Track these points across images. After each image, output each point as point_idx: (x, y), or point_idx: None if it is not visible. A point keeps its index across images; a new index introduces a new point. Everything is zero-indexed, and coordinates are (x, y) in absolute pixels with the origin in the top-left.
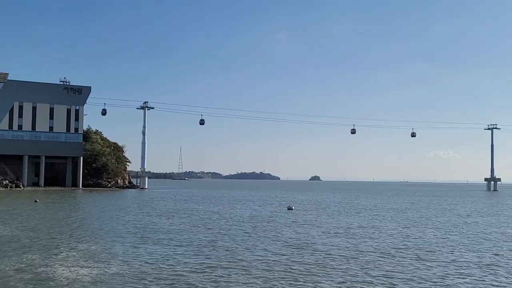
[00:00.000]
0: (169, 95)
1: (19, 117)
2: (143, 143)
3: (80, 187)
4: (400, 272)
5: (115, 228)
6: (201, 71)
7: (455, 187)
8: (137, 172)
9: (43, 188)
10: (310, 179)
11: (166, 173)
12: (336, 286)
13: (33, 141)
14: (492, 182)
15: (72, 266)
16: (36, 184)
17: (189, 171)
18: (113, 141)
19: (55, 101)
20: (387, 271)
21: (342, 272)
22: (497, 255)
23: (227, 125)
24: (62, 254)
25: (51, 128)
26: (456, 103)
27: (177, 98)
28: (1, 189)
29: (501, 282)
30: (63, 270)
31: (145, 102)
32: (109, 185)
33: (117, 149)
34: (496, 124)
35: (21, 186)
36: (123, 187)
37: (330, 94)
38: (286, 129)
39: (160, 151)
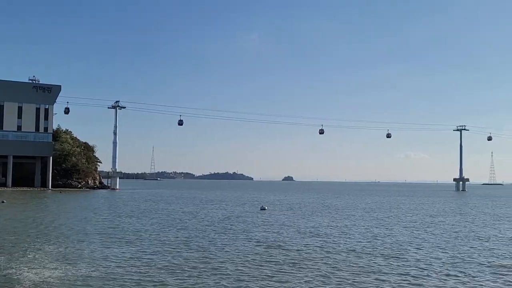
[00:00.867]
0: (143, 95)
1: None
2: (114, 143)
3: (50, 187)
4: (370, 271)
5: (84, 229)
6: (175, 72)
7: (425, 187)
8: (108, 172)
9: (11, 189)
10: (283, 180)
11: (138, 173)
12: (308, 285)
13: (0, 141)
14: (461, 182)
15: (39, 268)
16: (3, 184)
17: (162, 172)
18: (84, 141)
19: (24, 100)
20: (357, 269)
21: (314, 271)
22: (462, 253)
23: (200, 126)
24: (28, 256)
25: (19, 128)
26: (427, 104)
27: (151, 98)
28: None
29: (465, 280)
30: (29, 272)
31: (117, 102)
32: (79, 185)
33: (87, 149)
34: (464, 126)
35: None
36: (93, 188)
37: (303, 94)
38: (259, 129)
39: (132, 151)
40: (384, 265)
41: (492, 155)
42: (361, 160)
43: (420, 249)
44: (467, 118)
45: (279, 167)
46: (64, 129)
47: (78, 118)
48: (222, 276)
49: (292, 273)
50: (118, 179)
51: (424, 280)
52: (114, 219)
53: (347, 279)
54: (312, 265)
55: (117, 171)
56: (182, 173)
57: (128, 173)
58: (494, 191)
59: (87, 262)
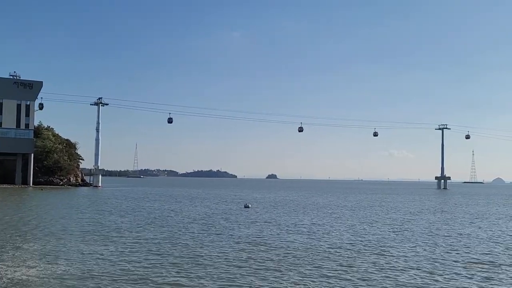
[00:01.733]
0: (127, 93)
1: None
2: (97, 140)
3: (31, 184)
4: (353, 267)
5: (65, 226)
6: (157, 70)
7: (407, 185)
8: (90, 169)
9: None
10: (267, 177)
11: (120, 170)
12: (292, 281)
13: None
14: (442, 181)
15: (18, 267)
16: None
17: (145, 169)
18: (66, 138)
19: (4, 96)
20: (340, 266)
21: (298, 267)
22: (442, 250)
23: (184, 124)
24: (7, 254)
25: (0, 124)
26: (409, 103)
27: (135, 96)
28: None
29: (443, 276)
30: (7, 270)
31: (99, 98)
32: (61, 183)
33: (69, 146)
34: (446, 124)
35: None
36: (75, 185)
37: (286, 92)
38: (243, 127)
39: (115, 149)
40: (366, 262)
41: (473, 154)
42: (344, 159)
43: (402, 246)
44: (449, 117)
45: (263, 165)
46: (46, 126)
47: (60, 115)
48: (205, 273)
49: (276, 270)
50: (100, 176)
51: (405, 277)
52: (95, 217)
53: (330, 276)
54: (295, 262)
55: (99, 168)
56: (165, 170)
57: (111, 171)
58: (475, 189)
59: (67, 260)
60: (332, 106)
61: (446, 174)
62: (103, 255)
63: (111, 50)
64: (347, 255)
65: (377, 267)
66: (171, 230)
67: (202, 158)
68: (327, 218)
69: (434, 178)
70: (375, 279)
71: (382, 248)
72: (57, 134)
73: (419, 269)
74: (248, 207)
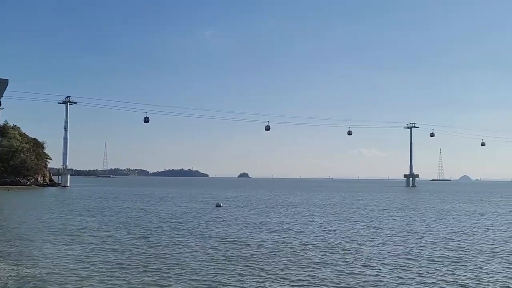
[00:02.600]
0: (98, 92)
1: None
2: (65, 139)
3: None
4: (323, 264)
5: (31, 227)
6: (129, 68)
7: (377, 183)
8: (58, 169)
9: None
10: (238, 176)
11: (90, 170)
12: (265, 278)
13: None
14: (411, 179)
15: None
16: None
17: (115, 168)
18: (33, 137)
19: None
20: (311, 262)
21: (271, 265)
22: (411, 246)
23: (154, 122)
24: None
25: None
26: (378, 102)
27: (105, 95)
28: None
29: (412, 272)
30: None
31: (68, 97)
32: (28, 183)
33: (37, 146)
34: (414, 123)
35: None
36: (43, 185)
37: (258, 91)
38: (215, 126)
39: (84, 148)
40: (337, 258)
41: (440, 152)
42: (316, 157)
43: (372, 243)
44: (418, 116)
45: (235, 164)
46: (12, 125)
47: (27, 114)
48: (178, 271)
49: (248, 267)
50: (69, 176)
51: (374, 272)
52: (63, 217)
53: (302, 273)
54: (268, 259)
55: (68, 168)
56: (136, 170)
57: (80, 170)
58: (442, 187)
59: (32, 261)
60: (305, 105)
61: (415, 172)
62: (70, 255)
63: (83, 49)
64: (318, 252)
65: (347, 263)
66: (142, 230)
67: (173, 157)
68: (298, 216)
69: (403, 176)
70: (346, 274)
71: (353, 244)
72: (24, 133)
73: (389, 265)
74: (220, 206)
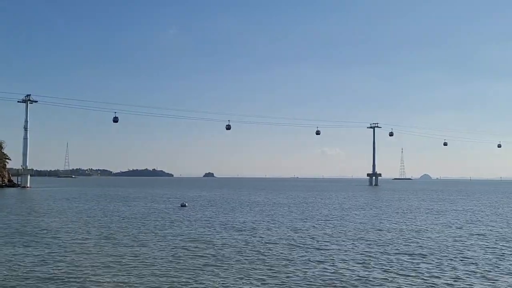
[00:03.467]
0: (59, 91)
1: None
2: (25, 138)
3: None
4: (288, 262)
5: None
6: (90, 66)
7: (341, 182)
8: (18, 169)
9: None
10: (204, 176)
11: (51, 170)
12: (229, 277)
13: None
14: (374, 177)
15: None
16: None
17: (77, 169)
18: None
19: None
20: (277, 261)
21: (237, 264)
22: (373, 245)
23: (118, 122)
24: None
25: None
26: (342, 102)
27: (67, 93)
28: None
29: (375, 270)
30: None
31: (28, 95)
32: None
33: None
34: (377, 123)
35: None
36: (1, 186)
37: (219, 90)
38: (179, 125)
39: (45, 148)
40: (302, 257)
41: (402, 151)
42: (281, 157)
43: (336, 241)
44: (381, 116)
45: (200, 164)
46: None
47: None
48: (143, 271)
49: (214, 266)
50: (29, 176)
51: (339, 271)
52: (23, 218)
53: (267, 271)
54: (233, 258)
55: (28, 168)
56: (98, 170)
57: (40, 171)
58: (403, 185)
59: None
60: (269, 105)
61: (378, 171)
62: (29, 257)
63: (45, 48)
64: (283, 251)
65: (312, 262)
66: (105, 230)
67: (137, 157)
68: (263, 215)
69: (366, 175)
70: (310, 271)
71: (317, 243)
72: None
73: (353, 262)
74: (185, 206)
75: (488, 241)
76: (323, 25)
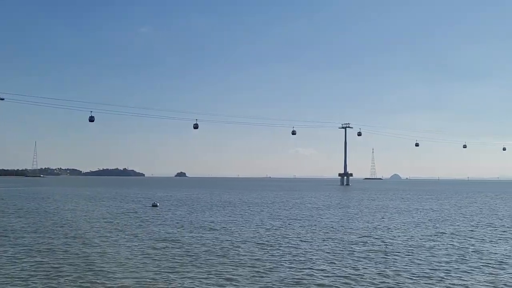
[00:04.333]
0: (26, 89)
1: None
2: None
3: None
4: (260, 260)
5: None
6: (60, 64)
7: (313, 182)
8: None
9: None
10: (175, 176)
11: (18, 170)
12: (199, 276)
13: None
14: (345, 177)
15: None
16: None
17: (45, 168)
18: None
19: None
20: (249, 260)
21: (210, 263)
22: (343, 244)
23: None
24: None
25: None
26: (315, 102)
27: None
28: None
29: (345, 268)
30: None
31: None
32: None
33: None
34: (349, 123)
35: None
36: None
37: (192, 89)
38: (151, 124)
39: (12, 147)
40: (274, 255)
41: (373, 152)
42: (253, 156)
43: (307, 240)
44: (352, 116)
45: (172, 163)
46: None
47: None
48: (114, 272)
49: (186, 266)
50: None
51: (309, 269)
52: None
53: (239, 270)
54: (205, 257)
55: None
56: (67, 169)
57: (7, 170)
58: (374, 185)
59: None
60: (242, 104)
61: (349, 171)
62: None
63: (17, 47)
64: (254, 250)
65: (283, 260)
66: (73, 231)
67: (107, 156)
68: (234, 214)
69: (338, 175)
70: (281, 272)
71: (287, 242)
72: None
73: (323, 261)
74: (157, 206)
75: (453, 239)
76: (296, 26)
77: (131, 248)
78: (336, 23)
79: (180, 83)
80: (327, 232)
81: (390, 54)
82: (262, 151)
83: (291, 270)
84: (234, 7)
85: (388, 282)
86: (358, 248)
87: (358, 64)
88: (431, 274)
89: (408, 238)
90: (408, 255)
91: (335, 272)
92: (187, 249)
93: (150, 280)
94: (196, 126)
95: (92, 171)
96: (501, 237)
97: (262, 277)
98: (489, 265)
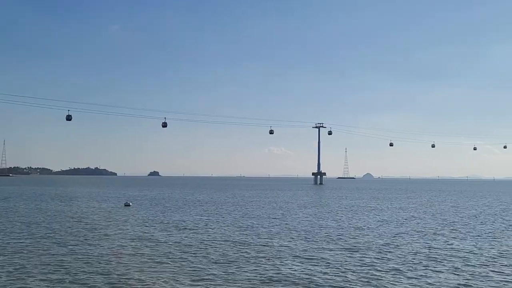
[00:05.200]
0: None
1: None
2: None
3: None
4: (233, 259)
5: None
6: (29, 60)
7: (287, 181)
8: None
9: None
10: (149, 175)
11: None
12: (173, 274)
13: None
14: (319, 176)
15: None
16: None
17: (14, 167)
18: None
19: None
20: (222, 259)
21: (184, 262)
22: (321, 240)
23: (58, 118)
24: None
25: None
26: (289, 102)
27: (3, 89)
28: None
29: (315, 266)
30: None
31: None
32: None
33: None
34: (322, 123)
35: None
36: None
37: (166, 88)
38: (122, 123)
39: None
40: (246, 254)
41: (346, 151)
42: (227, 155)
43: (281, 238)
44: (326, 115)
45: (145, 162)
46: None
47: None
48: (86, 271)
49: (158, 265)
50: None
51: (284, 267)
52: None
53: (210, 269)
54: (179, 257)
55: None
56: (37, 168)
57: None
58: (347, 184)
59: None
60: (216, 104)
61: (322, 170)
62: None
63: None
64: (226, 249)
65: (255, 259)
66: (44, 230)
67: (79, 155)
68: (207, 214)
69: (311, 174)
70: (253, 270)
71: (263, 240)
72: None
73: (295, 259)
74: (129, 205)
75: (419, 237)
76: (266, 25)
77: (103, 247)
78: (306, 23)
79: (151, 82)
80: (299, 231)
81: (361, 54)
82: (236, 150)
83: (263, 268)
84: (205, 6)
85: (354, 279)
86: (328, 246)
87: (330, 64)
88: (397, 271)
89: (376, 236)
90: (376, 252)
91: (304, 270)
92: (159, 248)
93: (121, 280)
94: (164, 125)
95: (63, 170)
96: (465, 235)
97: (234, 275)
98: (453, 261)
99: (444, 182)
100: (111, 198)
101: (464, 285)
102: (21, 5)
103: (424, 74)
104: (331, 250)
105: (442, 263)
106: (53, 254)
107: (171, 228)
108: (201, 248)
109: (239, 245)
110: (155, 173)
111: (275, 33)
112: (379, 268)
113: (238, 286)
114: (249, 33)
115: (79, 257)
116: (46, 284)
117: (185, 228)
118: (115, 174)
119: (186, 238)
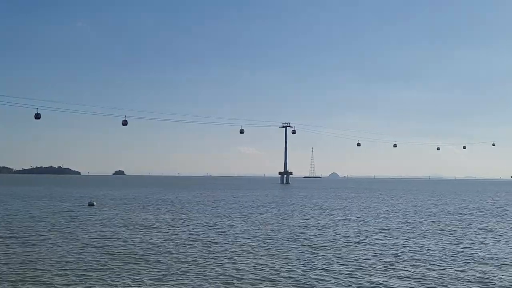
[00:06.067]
0: None
1: None
2: None
3: None
4: (199, 257)
5: None
6: None
7: (254, 180)
8: None
9: None
10: (113, 174)
11: None
12: (137, 273)
13: None
14: (285, 176)
15: None
16: None
17: None
18: None
19: None
20: (192, 258)
21: (142, 262)
22: (288, 238)
23: (17, 115)
24: None
25: None
26: (256, 102)
27: None
28: None
29: (291, 261)
30: None
31: None
32: None
33: None
34: (289, 123)
35: None
36: None
37: (130, 86)
38: (87, 121)
39: None
40: (217, 252)
41: (312, 151)
42: (194, 155)
43: (249, 237)
44: (293, 115)
45: (109, 161)
46: None
47: None
48: (49, 271)
49: (124, 264)
50: None
51: (253, 264)
52: None
53: (176, 269)
54: (144, 256)
55: None
56: None
57: None
58: (313, 184)
59: None
60: (183, 102)
61: (289, 169)
62: None
63: None
64: (191, 247)
65: (219, 257)
66: (11, 231)
67: (41, 153)
68: (173, 213)
69: (278, 173)
70: (217, 268)
71: (228, 239)
72: None
73: (260, 256)
74: (93, 205)
75: (380, 234)
76: (235, 26)
77: (67, 247)
78: (274, 24)
79: (117, 79)
80: (263, 230)
81: (329, 54)
82: (202, 150)
83: (226, 267)
84: (175, 4)
85: (317, 277)
86: (292, 244)
87: (297, 64)
88: (359, 268)
89: (338, 234)
90: (339, 250)
91: (267, 268)
92: (123, 248)
93: (84, 279)
94: (125, 123)
95: (25, 169)
96: (425, 232)
97: (197, 274)
98: (414, 259)
99: (407, 181)
100: (74, 197)
101: (422, 279)
102: None
103: (390, 75)
104: (295, 248)
105: (402, 259)
106: (12, 254)
107: (135, 228)
108: (165, 247)
109: (204, 244)
110: (120, 172)
111: (244, 33)
112: (342, 265)
113: (200, 285)
114: (217, 33)
115: (39, 257)
116: (5, 285)
117: (150, 227)
118: (79, 173)
119: (150, 237)
